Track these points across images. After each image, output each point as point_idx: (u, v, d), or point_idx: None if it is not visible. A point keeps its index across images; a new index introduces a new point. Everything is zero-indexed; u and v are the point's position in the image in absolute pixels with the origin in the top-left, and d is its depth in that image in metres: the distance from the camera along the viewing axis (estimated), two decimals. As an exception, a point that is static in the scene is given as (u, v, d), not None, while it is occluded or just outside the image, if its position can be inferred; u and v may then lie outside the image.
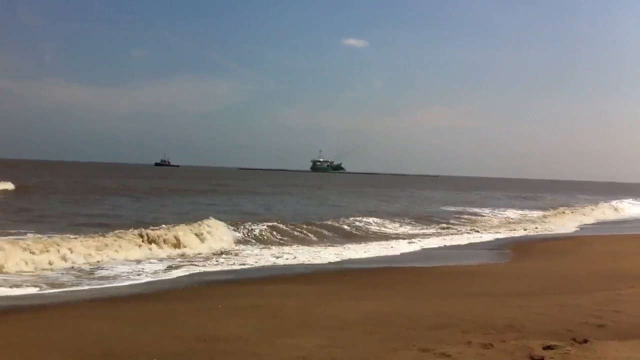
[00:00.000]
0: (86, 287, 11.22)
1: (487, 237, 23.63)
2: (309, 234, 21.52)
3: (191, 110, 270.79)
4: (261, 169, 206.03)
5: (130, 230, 16.87)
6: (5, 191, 37.70)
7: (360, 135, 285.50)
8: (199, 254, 16.26)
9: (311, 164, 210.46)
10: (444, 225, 28.11)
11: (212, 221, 19.10)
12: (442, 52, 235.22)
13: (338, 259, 15.99)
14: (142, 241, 16.04)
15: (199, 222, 18.57)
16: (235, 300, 9.73)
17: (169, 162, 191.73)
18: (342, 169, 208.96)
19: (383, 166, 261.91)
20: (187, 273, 13.19)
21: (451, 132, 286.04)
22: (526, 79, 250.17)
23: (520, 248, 19.53)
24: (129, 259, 14.56)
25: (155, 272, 13.03)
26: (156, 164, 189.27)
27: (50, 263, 13.15)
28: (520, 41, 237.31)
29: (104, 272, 12.81)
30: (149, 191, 46.78)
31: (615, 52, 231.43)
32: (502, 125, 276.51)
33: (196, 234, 17.59)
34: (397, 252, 17.96)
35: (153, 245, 16.05)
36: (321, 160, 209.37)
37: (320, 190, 66.01)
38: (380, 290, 10.96)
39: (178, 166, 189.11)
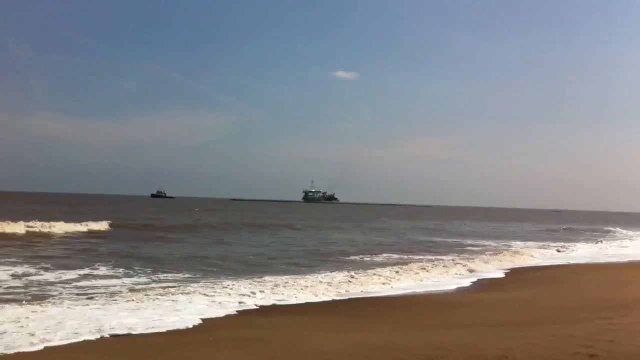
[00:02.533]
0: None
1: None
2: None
3: (182, 142, 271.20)
4: (253, 200, 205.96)
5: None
6: (100, 232, 33.58)
7: (351, 166, 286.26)
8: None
9: (303, 194, 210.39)
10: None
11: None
12: (430, 84, 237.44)
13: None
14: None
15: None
16: (225, 333, 9.57)
17: (164, 194, 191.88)
18: (336, 199, 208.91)
19: (375, 197, 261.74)
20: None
21: (441, 162, 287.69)
22: (513, 110, 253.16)
23: (511, 278, 19.49)
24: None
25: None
26: (152, 195, 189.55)
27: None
28: (505, 72, 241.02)
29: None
30: (248, 226, 46.63)
31: (603, 83, 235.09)
32: (490, 155, 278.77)
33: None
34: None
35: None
36: (313, 190, 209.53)
37: (365, 223, 65.01)
38: (370, 321, 10.83)
39: (173, 197, 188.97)
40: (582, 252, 32.48)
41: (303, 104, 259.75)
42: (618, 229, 64.25)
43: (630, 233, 56.33)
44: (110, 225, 37.27)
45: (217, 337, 9.18)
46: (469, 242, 38.57)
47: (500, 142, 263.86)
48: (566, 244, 38.06)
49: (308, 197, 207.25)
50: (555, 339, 8.43)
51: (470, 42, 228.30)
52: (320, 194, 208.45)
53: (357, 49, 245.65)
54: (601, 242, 42.68)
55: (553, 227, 68.76)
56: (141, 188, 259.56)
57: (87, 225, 34.97)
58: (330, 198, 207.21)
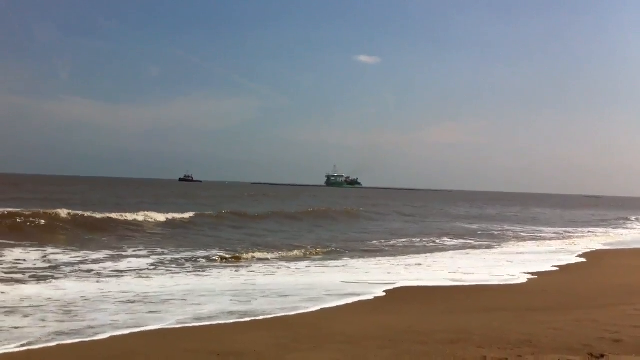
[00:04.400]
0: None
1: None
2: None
3: (205, 127, 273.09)
4: (275, 184, 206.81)
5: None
6: (194, 220, 30.57)
7: (374, 151, 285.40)
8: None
9: (326, 178, 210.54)
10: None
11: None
12: (447, 68, 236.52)
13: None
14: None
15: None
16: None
17: (192, 178, 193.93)
18: (359, 184, 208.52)
19: (398, 181, 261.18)
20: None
21: (461, 147, 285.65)
22: (534, 94, 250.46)
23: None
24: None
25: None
26: (180, 180, 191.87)
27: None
28: (525, 57, 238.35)
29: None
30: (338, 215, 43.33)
31: (625, 67, 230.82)
32: (510, 140, 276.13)
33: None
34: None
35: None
36: (336, 175, 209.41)
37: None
38: (394, 305, 10.90)
39: (200, 182, 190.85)
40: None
41: (325, 89, 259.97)
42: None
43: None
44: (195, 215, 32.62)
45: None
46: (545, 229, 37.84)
47: (522, 127, 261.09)
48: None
49: (331, 182, 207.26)
50: (580, 324, 8.42)
51: (491, 24, 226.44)
52: (343, 179, 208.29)
53: (378, 33, 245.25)
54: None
55: (609, 214, 67.27)
56: (167, 172, 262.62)
57: (173, 215, 31.16)
58: (353, 183, 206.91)
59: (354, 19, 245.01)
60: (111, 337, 7.87)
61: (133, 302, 10.47)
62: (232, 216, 34.76)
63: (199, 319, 9.17)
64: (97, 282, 12.85)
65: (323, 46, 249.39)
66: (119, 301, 10.51)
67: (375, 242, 25.65)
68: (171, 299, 10.78)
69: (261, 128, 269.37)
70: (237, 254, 18.72)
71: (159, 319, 9.04)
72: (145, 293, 11.38)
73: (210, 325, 8.81)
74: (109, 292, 11.48)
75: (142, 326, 8.53)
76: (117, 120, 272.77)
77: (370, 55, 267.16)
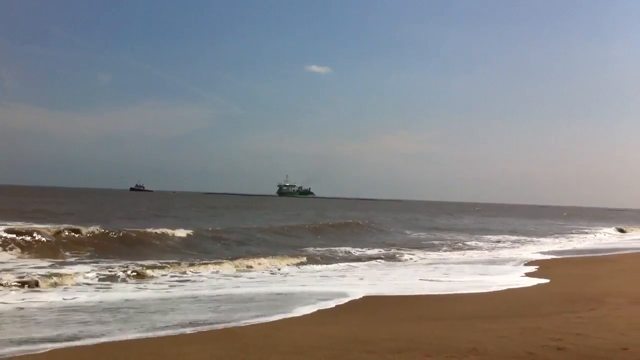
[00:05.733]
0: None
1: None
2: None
3: (156, 135, 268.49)
4: (227, 193, 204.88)
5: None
6: (183, 239, 26.50)
7: (328, 160, 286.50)
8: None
9: (277, 188, 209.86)
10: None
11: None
12: (404, 78, 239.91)
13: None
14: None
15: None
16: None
17: (143, 187, 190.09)
18: (312, 193, 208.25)
19: (351, 191, 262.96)
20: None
21: (415, 157, 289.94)
22: (486, 104, 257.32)
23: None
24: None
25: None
26: (131, 189, 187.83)
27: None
28: (480, 68, 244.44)
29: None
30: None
31: (577, 77, 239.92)
32: (463, 150, 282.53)
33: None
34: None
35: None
36: (287, 184, 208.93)
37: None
38: (342, 316, 10.85)
39: (152, 191, 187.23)
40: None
41: (278, 98, 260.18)
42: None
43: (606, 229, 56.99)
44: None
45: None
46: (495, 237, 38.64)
47: (473, 136, 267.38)
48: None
49: (282, 192, 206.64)
50: (525, 332, 8.54)
51: (443, 35, 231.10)
52: (295, 188, 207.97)
53: (329, 43, 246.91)
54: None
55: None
56: (118, 182, 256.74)
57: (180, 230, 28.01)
58: (306, 192, 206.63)
59: (305, 30, 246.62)
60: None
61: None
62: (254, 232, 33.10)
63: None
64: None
65: (275, 56, 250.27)
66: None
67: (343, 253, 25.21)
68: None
69: (214, 137, 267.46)
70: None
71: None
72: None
73: (155, 337, 8.56)
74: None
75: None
76: (66, 128, 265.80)
77: (321, 66, 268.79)
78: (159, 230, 26.61)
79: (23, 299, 11.68)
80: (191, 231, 27.81)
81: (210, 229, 30.94)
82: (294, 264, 20.17)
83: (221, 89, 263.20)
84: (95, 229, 23.91)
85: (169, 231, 26.78)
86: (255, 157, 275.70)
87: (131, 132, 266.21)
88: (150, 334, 8.74)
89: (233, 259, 19.77)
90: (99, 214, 45.52)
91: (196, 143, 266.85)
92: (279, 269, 18.88)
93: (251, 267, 18.81)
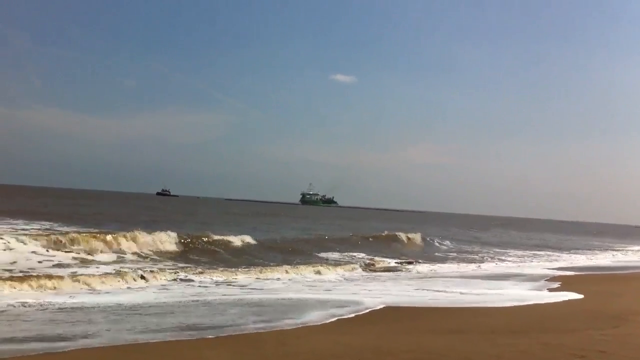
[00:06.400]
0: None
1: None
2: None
3: (180, 141, 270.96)
4: (248, 200, 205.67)
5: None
6: (249, 245, 27.86)
7: (350, 170, 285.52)
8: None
9: (300, 196, 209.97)
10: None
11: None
12: (426, 90, 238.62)
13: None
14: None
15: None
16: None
17: (169, 192, 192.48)
18: (335, 202, 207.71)
19: (374, 201, 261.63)
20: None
21: (437, 168, 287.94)
22: (506, 119, 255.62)
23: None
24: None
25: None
26: (158, 194, 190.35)
27: None
28: (502, 83, 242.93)
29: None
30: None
31: (599, 94, 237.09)
32: (483, 163, 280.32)
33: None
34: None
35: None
36: (311, 193, 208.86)
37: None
38: (360, 325, 10.81)
39: (177, 196, 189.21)
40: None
41: (302, 107, 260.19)
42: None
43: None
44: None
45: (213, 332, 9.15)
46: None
47: (493, 149, 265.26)
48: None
49: (306, 200, 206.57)
50: (547, 348, 8.42)
51: (466, 51, 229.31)
52: (319, 197, 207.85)
53: (355, 53, 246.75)
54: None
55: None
56: (143, 186, 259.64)
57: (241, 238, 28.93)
58: (329, 201, 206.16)
59: (330, 39, 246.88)
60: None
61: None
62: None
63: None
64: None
65: (299, 64, 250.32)
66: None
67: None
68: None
69: (235, 143, 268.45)
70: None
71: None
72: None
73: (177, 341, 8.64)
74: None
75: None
76: (90, 131, 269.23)
77: (346, 75, 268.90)
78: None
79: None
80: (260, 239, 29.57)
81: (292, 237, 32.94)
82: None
83: (244, 96, 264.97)
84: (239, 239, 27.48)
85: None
86: (276, 165, 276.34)
87: (154, 137, 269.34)
88: (171, 338, 8.81)
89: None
90: (188, 221, 47.38)
91: (217, 149, 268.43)
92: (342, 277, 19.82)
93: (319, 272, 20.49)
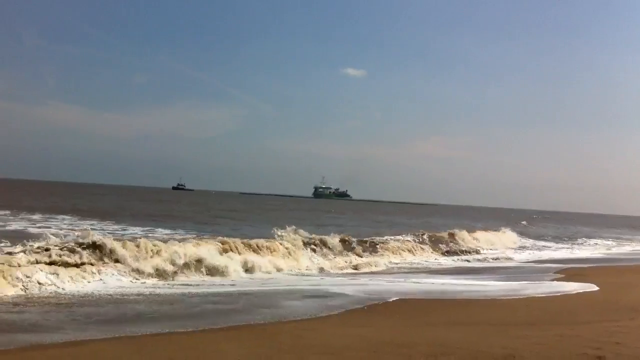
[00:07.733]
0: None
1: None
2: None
3: (193, 136, 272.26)
4: (262, 194, 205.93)
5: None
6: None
7: (362, 164, 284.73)
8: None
9: (313, 190, 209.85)
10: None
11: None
12: (436, 84, 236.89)
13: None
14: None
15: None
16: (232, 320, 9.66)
17: (184, 186, 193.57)
18: (348, 196, 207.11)
19: (386, 194, 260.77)
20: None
21: (448, 162, 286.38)
22: (517, 112, 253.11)
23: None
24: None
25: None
26: (174, 188, 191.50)
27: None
28: (513, 76, 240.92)
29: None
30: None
31: (608, 86, 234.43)
32: (494, 156, 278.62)
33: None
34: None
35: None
36: (324, 186, 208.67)
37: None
38: (377, 317, 10.86)
39: (192, 190, 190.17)
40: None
41: (312, 101, 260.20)
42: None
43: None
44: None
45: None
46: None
47: (504, 143, 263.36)
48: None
49: (318, 193, 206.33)
50: (563, 340, 8.41)
51: (476, 44, 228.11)
52: (332, 190, 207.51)
53: (366, 47, 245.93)
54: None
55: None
56: (156, 180, 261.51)
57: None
58: (342, 195, 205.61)
59: (340, 33, 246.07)
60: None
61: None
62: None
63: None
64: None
65: (310, 59, 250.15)
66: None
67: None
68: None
69: (248, 138, 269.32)
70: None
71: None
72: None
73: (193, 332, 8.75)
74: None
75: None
76: (104, 127, 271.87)
77: (357, 69, 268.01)
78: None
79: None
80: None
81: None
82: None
83: (255, 91, 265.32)
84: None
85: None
86: (289, 159, 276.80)
87: (166, 131, 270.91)
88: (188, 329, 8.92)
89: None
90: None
91: (230, 144, 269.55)
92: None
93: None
